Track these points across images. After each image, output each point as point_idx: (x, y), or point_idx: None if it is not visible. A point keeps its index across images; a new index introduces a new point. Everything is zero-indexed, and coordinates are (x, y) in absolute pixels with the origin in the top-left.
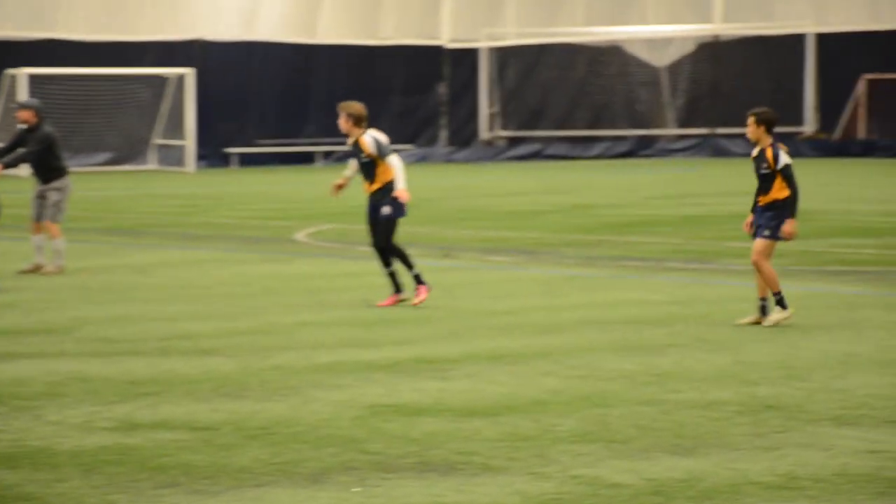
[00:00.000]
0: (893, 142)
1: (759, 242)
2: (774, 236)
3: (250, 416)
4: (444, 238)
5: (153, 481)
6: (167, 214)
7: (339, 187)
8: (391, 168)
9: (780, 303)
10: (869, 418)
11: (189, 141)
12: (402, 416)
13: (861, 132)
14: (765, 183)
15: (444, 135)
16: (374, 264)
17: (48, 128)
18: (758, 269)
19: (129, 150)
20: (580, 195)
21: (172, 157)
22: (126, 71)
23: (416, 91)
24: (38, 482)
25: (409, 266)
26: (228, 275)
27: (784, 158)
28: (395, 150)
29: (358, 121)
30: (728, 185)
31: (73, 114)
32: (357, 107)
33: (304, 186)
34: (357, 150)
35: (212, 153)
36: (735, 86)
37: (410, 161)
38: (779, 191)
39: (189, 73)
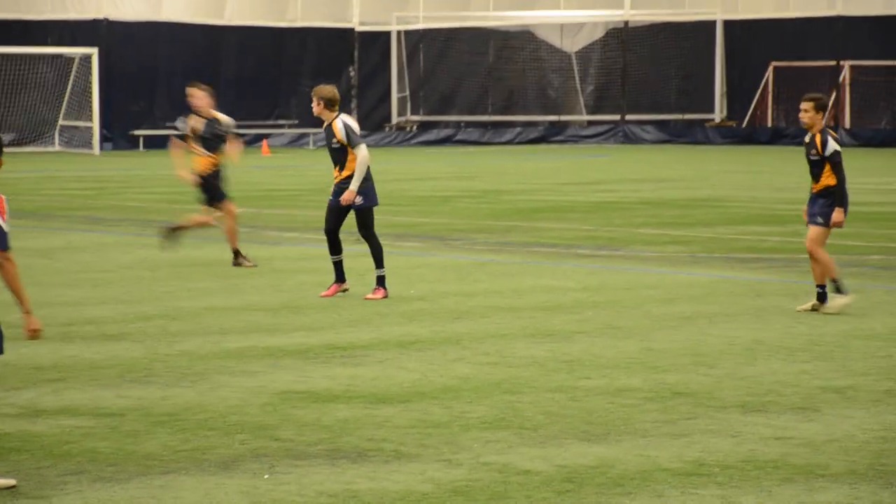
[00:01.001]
0: (800, 130)
1: (813, 230)
2: (827, 224)
3: (157, 403)
4: (354, 223)
5: (58, 468)
6: (72, 197)
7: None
8: (357, 160)
9: (838, 289)
10: (776, 405)
11: (95, 123)
12: (313, 403)
13: (769, 120)
14: (815, 169)
15: (353, 115)
16: (283, 249)
17: None
18: (813, 256)
19: (32, 132)
20: (491, 181)
21: (78, 138)
22: (29, 50)
23: (326, 74)
24: None
25: (380, 266)
26: (135, 259)
27: (832, 145)
28: (364, 139)
29: (330, 104)
30: (639, 172)
31: None
32: (328, 90)
33: None
34: (329, 134)
35: (118, 136)
36: (645, 73)
37: (319, 145)
38: (828, 178)
39: (94, 53)
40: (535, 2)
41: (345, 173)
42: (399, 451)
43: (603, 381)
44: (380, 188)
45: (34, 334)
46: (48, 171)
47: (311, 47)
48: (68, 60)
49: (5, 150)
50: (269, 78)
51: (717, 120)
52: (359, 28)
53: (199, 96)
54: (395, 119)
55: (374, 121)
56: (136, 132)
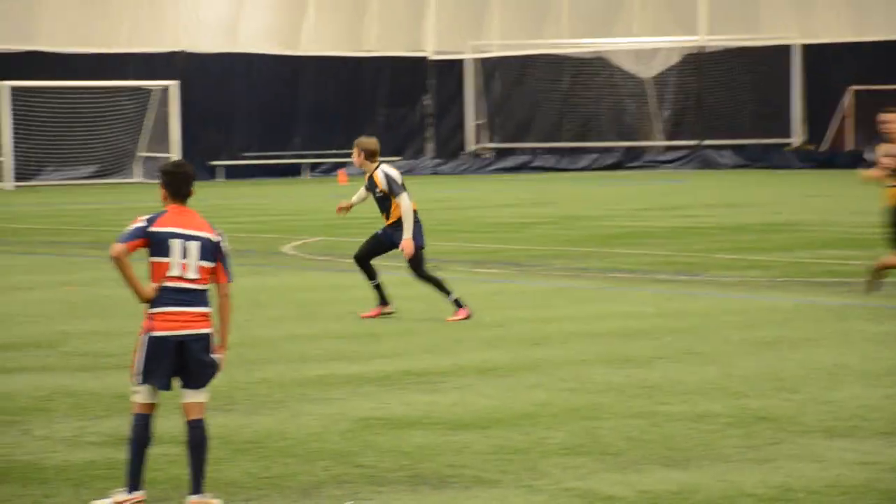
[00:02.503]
0: None
1: None
2: None
3: (239, 430)
4: (432, 251)
5: (145, 492)
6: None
7: (343, 209)
8: (402, 210)
9: None
10: (860, 430)
11: (174, 153)
12: (392, 430)
13: (848, 143)
14: None
15: (430, 146)
16: (360, 277)
17: None
18: None
19: (113, 163)
20: (568, 207)
21: (154, 169)
22: (110, 83)
23: (402, 103)
24: (28, 497)
25: (447, 292)
26: (215, 288)
27: None
28: (405, 189)
29: (370, 155)
30: (716, 197)
31: (56, 127)
32: (370, 142)
33: (291, 199)
34: (372, 184)
35: (197, 166)
36: (721, 97)
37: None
38: None
39: (173, 86)
40: (609, 28)
41: (391, 220)
42: (479, 478)
43: (683, 407)
44: (456, 215)
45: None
46: (128, 202)
47: (387, 76)
48: (147, 92)
49: (88, 181)
50: (346, 107)
51: (796, 144)
52: (434, 56)
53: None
54: (470, 146)
55: (449, 148)
56: (214, 162)
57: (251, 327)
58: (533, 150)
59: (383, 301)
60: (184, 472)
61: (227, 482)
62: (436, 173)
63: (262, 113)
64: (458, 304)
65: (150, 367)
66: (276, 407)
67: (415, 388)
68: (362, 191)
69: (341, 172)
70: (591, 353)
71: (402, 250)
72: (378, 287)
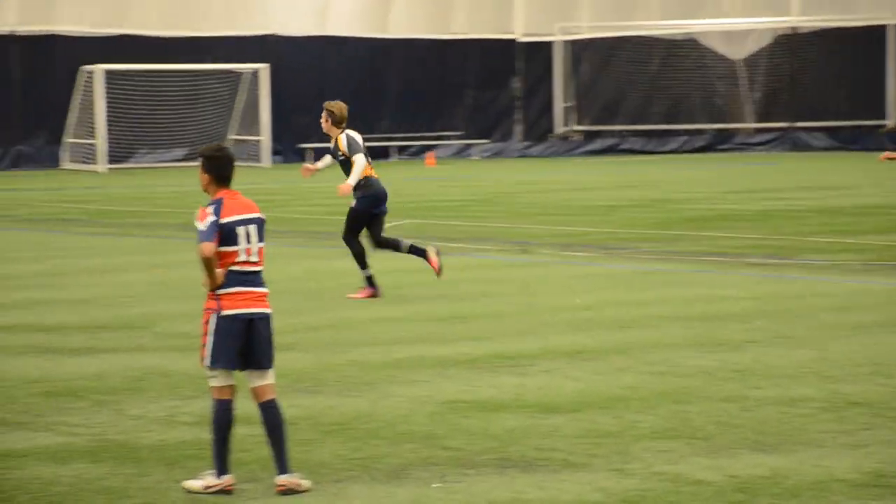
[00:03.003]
0: None
1: None
2: None
3: (328, 412)
4: (521, 233)
5: (233, 476)
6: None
7: (308, 171)
8: (360, 168)
9: None
10: None
11: (264, 136)
12: (480, 412)
13: None
14: None
15: (518, 129)
16: (449, 260)
17: None
18: None
19: (205, 145)
20: (657, 190)
21: (249, 152)
22: (200, 66)
23: (491, 85)
24: (122, 476)
25: (363, 266)
26: (303, 270)
27: None
28: (366, 152)
29: (338, 122)
30: (808, 180)
31: (147, 109)
32: (339, 107)
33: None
34: (335, 149)
35: (286, 149)
36: (814, 79)
37: (486, 156)
38: None
39: (263, 69)
40: (700, 10)
41: (359, 174)
42: (568, 461)
43: (775, 391)
44: (544, 198)
45: None
46: None
47: (475, 58)
48: (238, 75)
49: (179, 164)
50: (433, 89)
51: (890, 126)
52: (522, 38)
53: None
54: (558, 129)
55: (537, 131)
56: (304, 145)
57: (340, 310)
58: (621, 133)
59: (372, 284)
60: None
61: (315, 463)
62: (524, 156)
63: (350, 96)
64: (369, 281)
65: (220, 349)
66: (364, 389)
67: (503, 371)
68: (328, 157)
69: (429, 155)
70: (681, 336)
71: (338, 189)
72: (368, 273)
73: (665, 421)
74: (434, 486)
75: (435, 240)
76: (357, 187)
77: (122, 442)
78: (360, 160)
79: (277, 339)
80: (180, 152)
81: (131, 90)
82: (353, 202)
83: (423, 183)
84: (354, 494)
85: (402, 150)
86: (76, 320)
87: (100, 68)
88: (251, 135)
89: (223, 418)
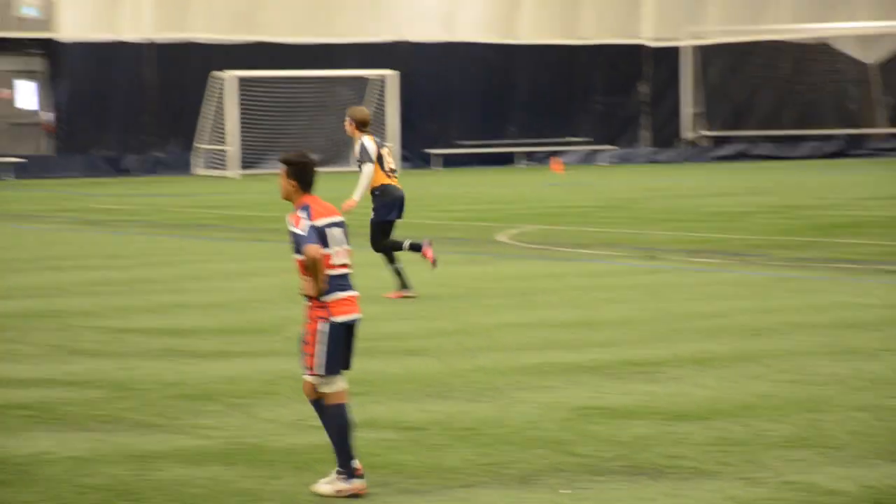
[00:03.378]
0: None
1: None
2: None
3: (457, 417)
4: (649, 240)
5: (365, 479)
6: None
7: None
8: (368, 174)
9: None
10: None
11: (392, 142)
12: (609, 419)
13: None
14: None
15: (645, 135)
16: (577, 265)
17: None
18: None
19: (333, 152)
20: (788, 196)
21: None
22: (330, 73)
23: (618, 90)
24: (254, 479)
25: (392, 262)
26: (432, 276)
27: None
28: (372, 161)
29: (361, 125)
30: None
31: (279, 115)
32: (361, 112)
33: (506, 188)
34: (363, 151)
35: (413, 154)
36: None
37: (613, 161)
38: None
39: (392, 75)
40: (832, 13)
41: (367, 181)
42: (698, 469)
43: None
44: (673, 204)
45: None
46: (347, 190)
47: (603, 64)
48: (366, 82)
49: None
50: (560, 95)
51: None
52: (650, 43)
53: None
54: (686, 134)
55: (665, 136)
56: (431, 151)
57: (469, 315)
58: (751, 138)
59: (404, 285)
60: (404, 457)
61: (445, 468)
62: (651, 162)
63: (477, 102)
64: (401, 280)
65: (334, 356)
66: (493, 395)
67: (632, 378)
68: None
69: (556, 161)
70: (813, 344)
71: (343, 205)
72: (398, 272)
73: (797, 429)
74: (563, 492)
75: (563, 247)
76: (374, 196)
77: (255, 445)
78: (366, 169)
79: (406, 344)
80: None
81: (263, 96)
82: (371, 214)
83: (551, 189)
84: (484, 500)
85: (528, 155)
86: (210, 324)
87: (232, 75)
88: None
89: (345, 421)
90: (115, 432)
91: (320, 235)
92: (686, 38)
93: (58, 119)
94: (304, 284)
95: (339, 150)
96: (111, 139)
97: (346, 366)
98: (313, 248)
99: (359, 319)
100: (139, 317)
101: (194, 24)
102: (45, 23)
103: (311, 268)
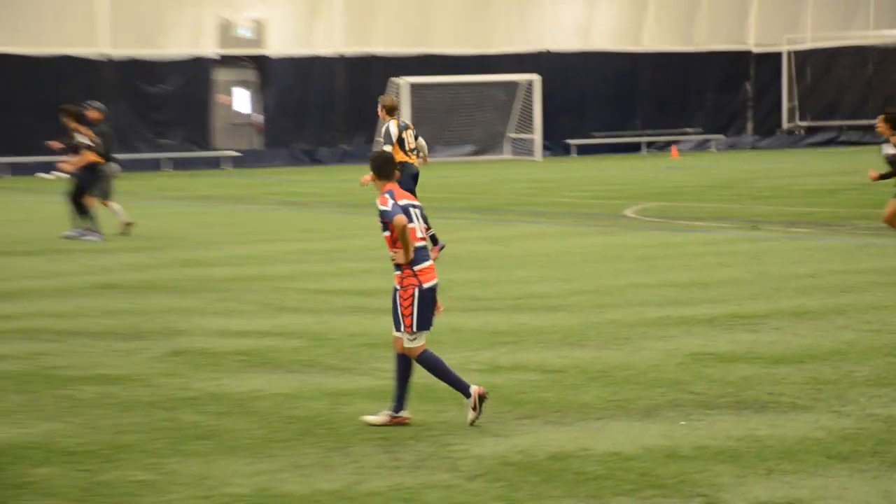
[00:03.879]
0: None
1: None
2: None
3: (591, 362)
4: (752, 213)
5: (515, 413)
6: (519, 195)
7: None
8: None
9: None
10: None
11: (537, 135)
12: (719, 363)
13: None
14: None
15: (750, 126)
16: (692, 236)
17: (106, 127)
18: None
19: (488, 143)
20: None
21: (523, 148)
22: (485, 78)
23: (727, 89)
24: (425, 412)
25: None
26: (569, 245)
27: None
28: (389, 144)
29: (390, 111)
30: None
31: (443, 114)
32: (389, 100)
33: (632, 171)
34: (381, 134)
35: (555, 144)
36: None
37: (722, 148)
38: None
39: (536, 79)
40: None
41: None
42: (795, 404)
43: None
44: (773, 183)
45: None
46: (500, 175)
47: (714, 67)
48: (515, 85)
49: (467, 158)
50: (678, 93)
51: None
52: (754, 49)
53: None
54: (785, 125)
55: (766, 127)
56: (569, 141)
57: (600, 278)
58: (839, 128)
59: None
60: (547, 394)
61: (581, 404)
62: (754, 148)
63: (608, 99)
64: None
65: (424, 316)
66: (621, 343)
67: (738, 329)
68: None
69: (674, 148)
70: (893, 300)
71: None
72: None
73: (879, 371)
74: (681, 423)
75: (680, 220)
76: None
77: (425, 385)
78: (386, 149)
79: (548, 302)
80: (467, 149)
81: (430, 98)
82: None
83: (669, 172)
84: (614, 430)
85: (650, 144)
86: (387, 285)
87: (406, 81)
88: (526, 133)
89: (436, 360)
90: (313, 374)
91: (404, 211)
92: (785, 45)
93: (266, 120)
94: (396, 254)
95: (494, 142)
96: (308, 135)
97: (429, 325)
98: (400, 219)
99: (438, 284)
100: (332, 280)
101: (376, 41)
102: (257, 42)
103: (401, 238)
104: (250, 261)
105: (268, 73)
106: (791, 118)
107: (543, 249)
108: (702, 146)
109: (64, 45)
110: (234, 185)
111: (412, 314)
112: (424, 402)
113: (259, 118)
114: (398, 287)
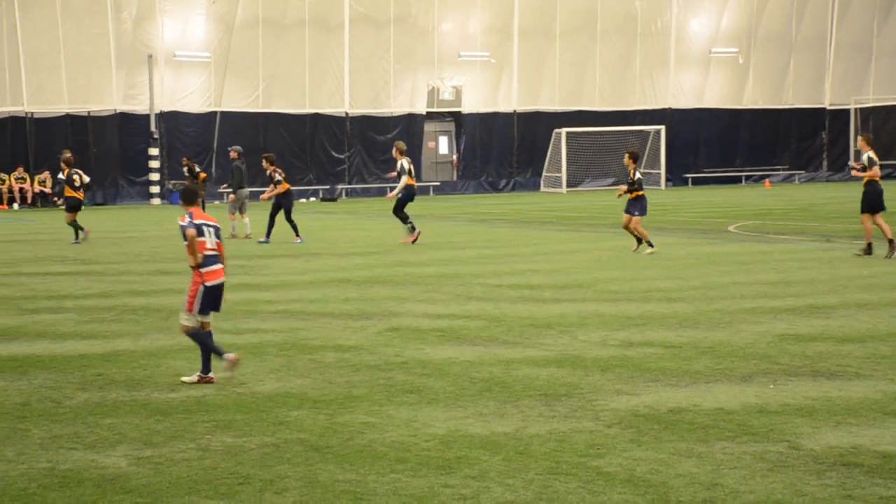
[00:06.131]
0: None
1: None
2: None
3: (701, 340)
4: (826, 229)
5: (643, 377)
6: (648, 215)
7: (391, 197)
8: (404, 180)
9: None
10: None
11: (662, 170)
12: (799, 342)
13: None
14: None
15: (825, 164)
16: (779, 246)
17: (240, 163)
18: None
19: (622, 178)
20: None
21: (651, 180)
22: (623, 128)
23: (808, 137)
24: (575, 376)
25: (405, 222)
26: (685, 252)
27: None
28: (409, 172)
29: (400, 152)
30: None
31: (590, 155)
32: (402, 145)
33: (734, 197)
34: (400, 167)
35: (675, 177)
36: None
37: (803, 181)
38: None
39: (662, 129)
40: None
41: (403, 184)
42: (858, 373)
43: None
44: (843, 207)
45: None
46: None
47: (797, 120)
48: (647, 133)
49: (607, 188)
50: (770, 139)
51: None
52: (829, 107)
53: None
54: (851, 164)
55: (838, 165)
56: (687, 175)
57: (708, 277)
58: (894, 166)
59: (413, 229)
60: (667, 364)
61: (693, 371)
62: (828, 181)
63: (716, 144)
64: (412, 229)
65: (203, 306)
66: (725, 326)
67: (815, 316)
68: (393, 174)
69: (766, 181)
70: None
71: (387, 196)
72: (412, 226)
73: None
74: (770, 386)
75: (770, 234)
76: (404, 189)
77: (575, 356)
78: (404, 179)
79: (670, 295)
80: (610, 180)
81: (583, 143)
82: (399, 195)
83: (763, 198)
84: (718, 391)
85: (748, 177)
86: (549, 282)
87: (564, 130)
88: (654, 169)
89: (201, 336)
90: (492, 346)
91: (198, 228)
92: (852, 103)
93: (459, 159)
94: (189, 259)
95: (624, 178)
96: (491, 170)
97: (207, 312)
98: (190, 231)
99: (222, 283)
100: (506, 277)
101: (542, 100)
102: (455, 101)
103: (189, 246)
104: (446, 262)
105: (462, 124)
106: (856, 159)
107: (666, 255)
108: (788, 179)
109: (316, 105)
110: (436, 206)
111: (194, 302)
112: (576, 367)
113: (454, 158)
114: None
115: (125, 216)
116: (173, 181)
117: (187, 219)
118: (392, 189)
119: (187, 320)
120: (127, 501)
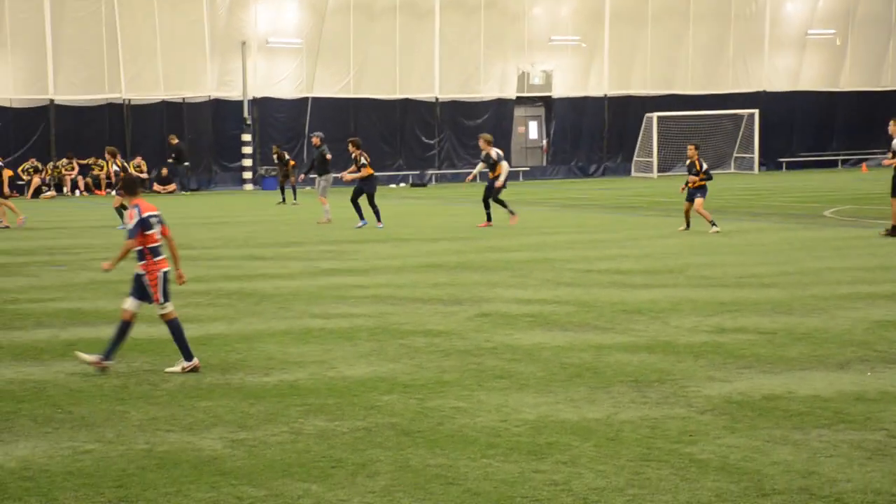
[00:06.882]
0: None
1: None
2: None
3: (796, 326)
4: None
5: (736, 364)
6: (741, 200)
7: (471, 178)
8: (502, 169)
9: None
10: None
11: (756, 154)
12: None
13: None
14: None
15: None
16: (877, 231)
17: (325, 147)
18: None
19: (718, 161)
20: None
21: (745, 164)
22: (718, 112)
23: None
24: (668, 361)
25: (505, 207)
26: (779, 237)
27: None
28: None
29: (487, 143)
30: None
31: (683, 139)
32: (488, 136)
33: (829, 182)
34: (487, 157)
35: (769, 161)
36: None
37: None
38: None
39: (756, 112)
40: None
41: (493, 174)
42: None
43: None
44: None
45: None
46: (727, 185)
47: (854, 104)
48: (740, 117)
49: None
50: (867, 122)
51: None
52: (890, 88)
53: None
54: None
55: None
56: (781, 159)
57: (802, 262)
58: None
59: (512, 213)
60: (761, 350)
61: (787, 358)
62: None
63: (811, 127)
64: (511, 212)
65: (166, 291)
66: (820, 312)
67: None
68: (480, 164)
69: (863, 164)
70: None
71: (496, 184)
72: (510, 210)
73: None
74: (868, 374)
75: (866, 218)
76: (499, 176)
77: (667, 342)
78: (505, 165)
79: (763, 280)
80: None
81: (672, 128)
82: (497, 183)
83: (859, 182)
84: (814, 378)
85: (844, 161)
86: (640, 267)
87: (655, 115)
88: (747, 153)
89: (179, 328)
90: (582, 332)
91: (146, 221)
92: None
93: (549, 144)
94: (116, 258)
95: (722, 160)
96: (581, 155)
97: (170, 297)
98: (131, 243)
99: (169, 270)
100: (597, 262)
101: (633, 84)
102: (545, 86)
103: (124, 250)
104: (536, 248)
105: (553, 109)
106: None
107: (759, 240)
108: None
109: (406, 91)
110: (526, 192)
111: (158, 290)
112: (668, 354)
113: (544, 143)
114: (143, 273)
115: (219, 201)
116: (265, 167)
117: (135, 214)
118: (496, 178)
119: (164, 308)
120: (222, 483)
